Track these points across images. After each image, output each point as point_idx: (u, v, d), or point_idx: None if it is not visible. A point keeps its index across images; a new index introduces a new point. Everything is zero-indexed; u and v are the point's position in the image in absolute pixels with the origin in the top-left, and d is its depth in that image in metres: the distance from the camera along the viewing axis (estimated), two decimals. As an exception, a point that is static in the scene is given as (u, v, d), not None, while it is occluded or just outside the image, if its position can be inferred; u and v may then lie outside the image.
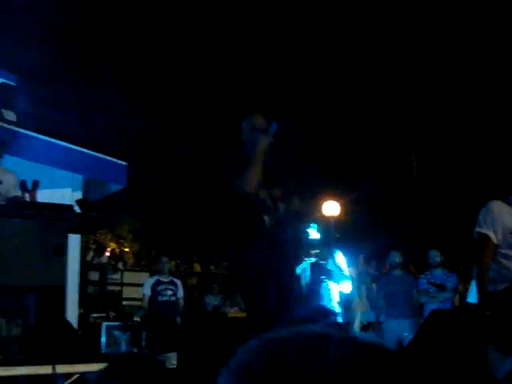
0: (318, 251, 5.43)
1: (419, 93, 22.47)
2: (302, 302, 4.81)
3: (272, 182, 4.17)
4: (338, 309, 5.17)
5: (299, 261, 5.19)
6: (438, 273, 8.41)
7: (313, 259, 5.42)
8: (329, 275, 5.28)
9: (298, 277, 4.94)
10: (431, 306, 8.03)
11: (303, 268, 5.44)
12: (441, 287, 8.25)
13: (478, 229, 4.44)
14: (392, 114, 22.73)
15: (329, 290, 5.24)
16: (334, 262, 5.52)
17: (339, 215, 16.85)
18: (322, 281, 5.20)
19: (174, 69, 24.16)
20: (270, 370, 0.67)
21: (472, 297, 8.06)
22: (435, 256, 8.44)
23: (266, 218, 4.08)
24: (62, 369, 5.06)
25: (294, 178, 4.34)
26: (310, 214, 4.78)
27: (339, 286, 5.67)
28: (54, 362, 4.89)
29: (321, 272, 5.43)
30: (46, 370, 4.93)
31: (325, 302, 5.08)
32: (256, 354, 0.70)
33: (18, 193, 5.81)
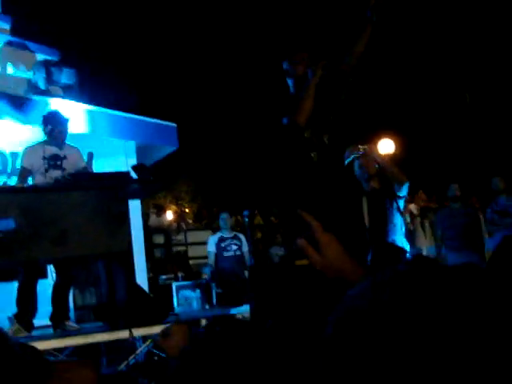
0: None
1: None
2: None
3: (317, 117, 4.08)
4: (406, 244, 5.06)
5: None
6: (502, 200, 8.16)
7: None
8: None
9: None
10: (496, 235, 7.84)
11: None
12: (504, 214, 8.02)
13: None
14: (445, 54, 22.09)
15: (400, 219, 5.14)
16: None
17: (394, 153, 16.56)
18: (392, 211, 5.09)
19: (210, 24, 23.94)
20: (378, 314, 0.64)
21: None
22: (497, 183, 8.19)
23: (312, 154, 4.04)
24: (138, 332, 5.18)
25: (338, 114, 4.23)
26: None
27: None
28: (130, 326, 5.00)
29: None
30: (123, 334, 5.04)
31: (397, 235, 4.99)
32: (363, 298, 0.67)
33: (83, 165, 5.93)
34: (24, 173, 5.70)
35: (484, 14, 21.69)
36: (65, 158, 5.74)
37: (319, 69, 4.01)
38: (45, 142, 5.75)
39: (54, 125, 5.71)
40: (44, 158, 5.64)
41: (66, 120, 5.83)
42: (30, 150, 5.76)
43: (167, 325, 1.92)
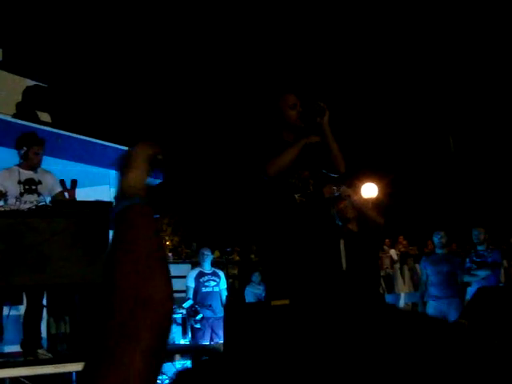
0: None
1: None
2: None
3: (302, 164, 4.07)
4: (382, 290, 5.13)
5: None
6: (481, 250, 8.25)
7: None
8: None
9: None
10: (474, 285, 7.93)
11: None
12: (482, 264, 8.10)
13: None
14: (429, 95, 22.45)
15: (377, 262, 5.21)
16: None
17: (377, 197, 16.67)
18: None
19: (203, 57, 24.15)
20: None
21: None
22: (478, 234, 8.28)
23: (296, 196, 4.03)
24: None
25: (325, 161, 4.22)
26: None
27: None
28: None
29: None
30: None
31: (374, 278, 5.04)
32: None
33: (59, 189, 5.87)
34: None
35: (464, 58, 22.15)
36: (40, 182, 5.66)
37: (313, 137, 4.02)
38: (20, 166, 5.63)
39: (30, 145, 5.60)
40: (19, 181, 5.54)
41: (42, 141, 5.72)
42: (5, 172, 5.62)
43: None
